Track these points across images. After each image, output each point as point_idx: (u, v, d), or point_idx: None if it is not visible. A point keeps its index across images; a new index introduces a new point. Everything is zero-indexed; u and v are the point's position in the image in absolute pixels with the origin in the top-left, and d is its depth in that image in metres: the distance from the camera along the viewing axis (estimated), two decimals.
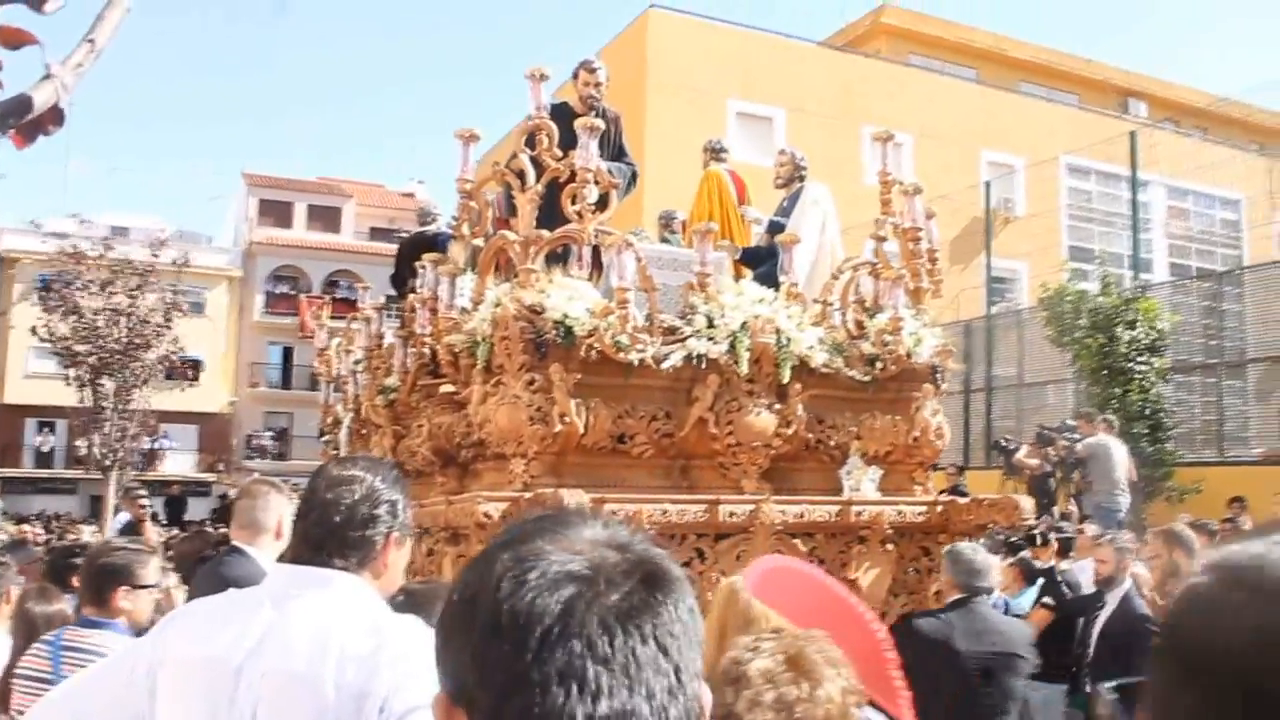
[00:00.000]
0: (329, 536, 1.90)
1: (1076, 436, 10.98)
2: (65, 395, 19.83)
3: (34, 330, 19.44)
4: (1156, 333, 13.38)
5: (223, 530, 12.08)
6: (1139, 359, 13.15)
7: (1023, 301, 20.60)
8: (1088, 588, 6.60)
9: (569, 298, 4.71)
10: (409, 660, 1.73)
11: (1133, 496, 10.76)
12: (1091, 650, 5.57)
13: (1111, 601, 5.58)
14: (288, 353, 36.39)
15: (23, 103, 1.40)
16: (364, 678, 1.71)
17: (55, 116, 1.48)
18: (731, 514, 4.78)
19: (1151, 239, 22.27)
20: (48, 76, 1.41)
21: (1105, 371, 13.30)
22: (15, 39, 1.56)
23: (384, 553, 1.94)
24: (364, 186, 42.62)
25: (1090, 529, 7.99)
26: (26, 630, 3.55)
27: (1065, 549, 7.44)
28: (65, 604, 3.73)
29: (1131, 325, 13.27)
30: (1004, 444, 12.38)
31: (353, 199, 40.21)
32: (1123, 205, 20.31)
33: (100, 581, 3.28)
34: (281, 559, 2.29)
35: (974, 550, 4.47)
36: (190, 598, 3.43)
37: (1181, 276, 20.61)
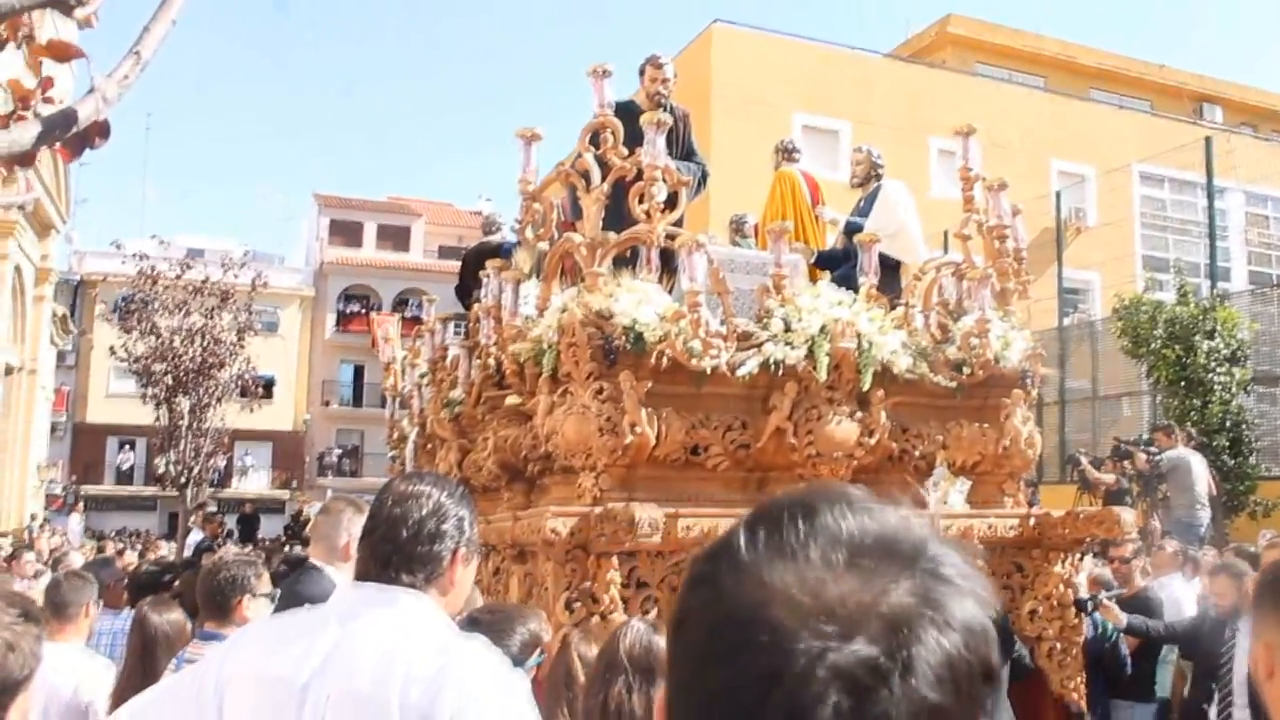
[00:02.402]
0: (396, 552, 1.87)
1: (1155, 450, 10.56)
2: (144, 414, 20.23)
3: (112, 350, 19.88)
4: (1236, 343, 12.86)
5: (296, 548, 12.19)
6: (1218, 370, 12.63)
7: (1096, 312, 20.06)
8: (1169, 604, 6.21)
9: (638, 302, 4.50)
10: (474, 682, 1.73)
11: (1214, 511, 10.33)
12: (1236, 697, 4.89)
13: (1247, 634, 5.03)
14: (359, 371, 36.89)
15: (68, 116, 1.40)
16: (429, 700, 1.69)
17: (101, 130, 1.47)
18: None
19: (1229, 247, 21.53)
20: (92, 90, 1.39)
21: (1183, 383, 12.80)
22: (63, 53, 1.57)
23: (451, 569, 1.91)
24: (433, 205, 43.13)
25: (1170, 545, 7.53)
26: (142, 638, 3.57)
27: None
28: (180, 613, 3.74)
29: (1210, 335, 12.75)
30: (1079, 458, 11.93)
31: (422, 218, 40.71)
32: (1198, 213, 19.63)
33: (225, 593, 3.35)
34: None
35: None
36: None
37: (1261, 285, 19.86)
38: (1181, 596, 6.62)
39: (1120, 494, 10.74)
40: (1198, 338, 12.77)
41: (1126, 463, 10.91)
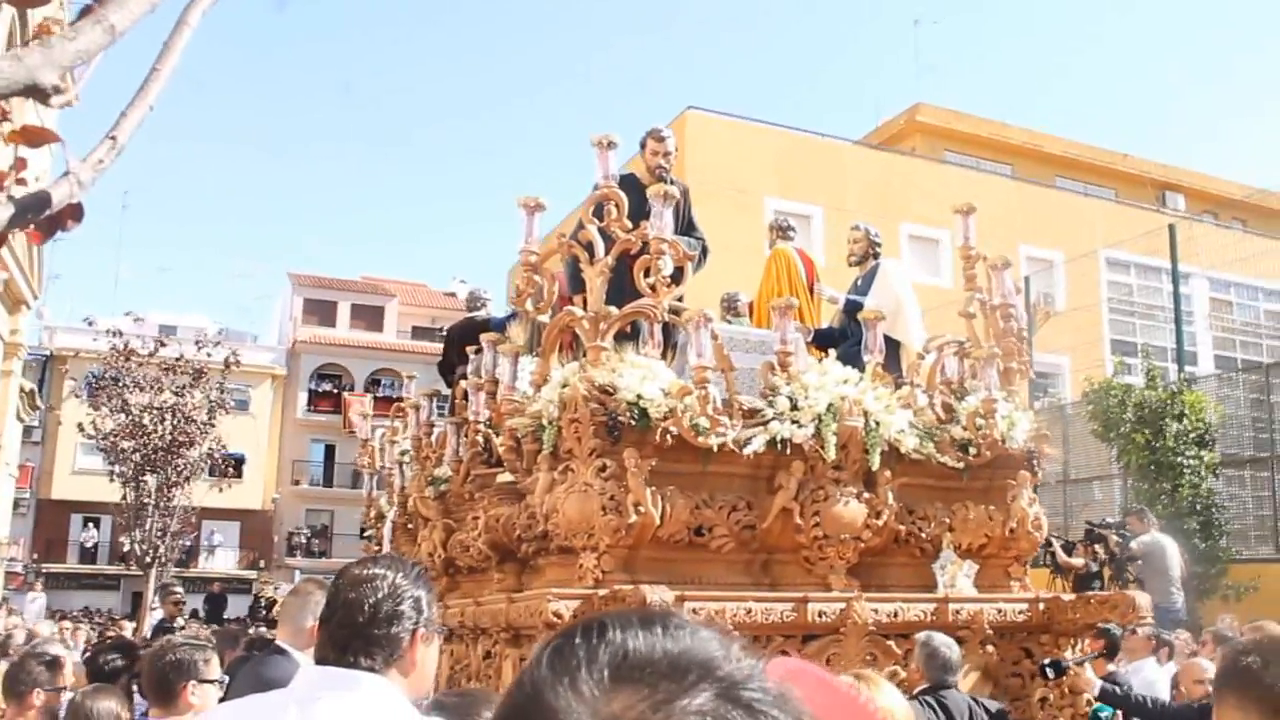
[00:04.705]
0: (354, 636, 1.88)
1: (1127, 533, 10.60)
2: (111, 491, 19.82)
3: (80, 427, 19.52)
4: (1204, 426, 13.00)
5: (260, 629, 11.76)
6: (1187, 453, 12.75)
7: (1065, 396, 20.25)
8: (1143, 688, 6.04)
9: (643, 377, 4.39)
10: None
11: (1185, 595, 10.30)
12: None
13: None
14: (330, 450, 36.43)
15: (41, 199, 1.40)
16: None
17: (74, 213, 1.48)
18: (821, 613, 4.37)
19: (1195, 332, 21.91)
20: (67, 173, 1.42)
21: (1153, 466, 12.90)
22: (37, 137, 1.58)
23: (411, 650, 1.91)
24: (407, 285, 43.14)
25: (1142, 629, 7.39)
26: None
27: (1112, 651, 6.78)
28: (114, 701, 3.66)
29: (1179, 419, 12.89)
30: (1051, 541, 11.91)
31: (396, 298, 40.66)
32: (1164, 298, 20.02)
33: (169, 679, 3.24)
34: None
35: (949, 646, 4.35)
36: (226, 697, 3.36)
37: (1227, 369, 20.20)
38: (1156, 680, 6.51)
39: (1089, 578, 10.75)
40: (1166, 421, 12.91)
41: (1099, 546, 10.92)
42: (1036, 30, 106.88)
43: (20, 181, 1.58)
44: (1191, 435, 12.85)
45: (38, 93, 1.28)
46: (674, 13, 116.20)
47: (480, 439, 5.75)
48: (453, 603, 5.47)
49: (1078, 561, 10.95)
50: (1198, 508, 12.59)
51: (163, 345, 19.86)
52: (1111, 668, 6.33)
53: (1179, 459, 12.71)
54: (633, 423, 4.32)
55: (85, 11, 1.30)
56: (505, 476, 5.38)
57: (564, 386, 4.48)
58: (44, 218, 1.41)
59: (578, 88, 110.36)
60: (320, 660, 1.91)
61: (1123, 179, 28.86)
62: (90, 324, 21.03)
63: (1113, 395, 13.73)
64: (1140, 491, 13.25)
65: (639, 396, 4.33)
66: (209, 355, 19.77)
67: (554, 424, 4.47)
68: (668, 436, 4.40)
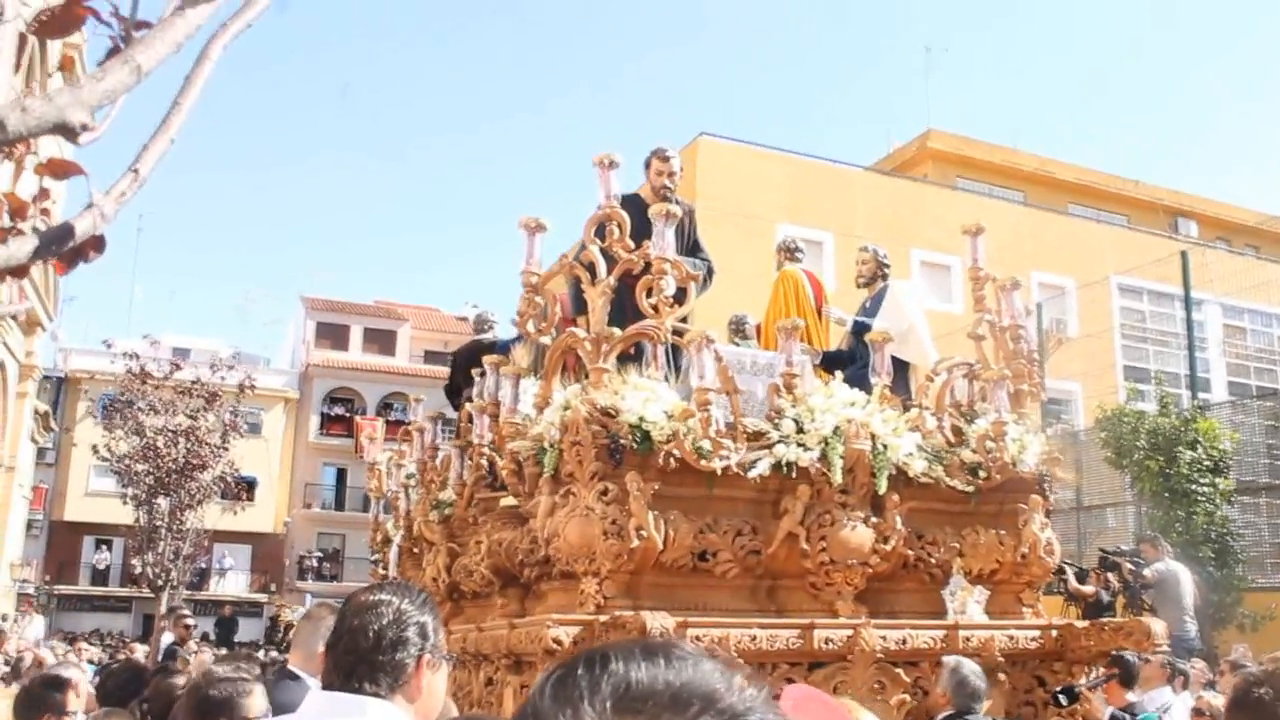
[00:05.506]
0: (359, 662, 1.89)
1: (1140, 561, 10.47)
2: (123, 514, 19.84)
3: (95, 449, 19.60)
4: (1219, 453, 12.89)
5: (272, 654, 11.69)
6: (1201, 480, 12.64)
7: (1078, 423, 20.10)
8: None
9: (645, 400, 4.33)
10: None
11: (1200, 624, 10.16)
12: None
13: None
14: (341, 474, 36.44)
15: (65, 231, 1.47)
16: None
17: (96, 244, 1.54)
18: (828, 640, 4.28)
19: (1208, 358, 21.77)
20: (91, 206, 1.48)
21: (1167, 494, 12.79)
22: (62, 170, 1.63)
23: (417, 676, 1.91)
24: (419, 310, 43.24)
25: (1155, 657, 7.26)
26: None
27: (1129, 680, 6.65)
28: None
29: (1192, 446, 12.78)
30: (1064, 568, 11.77)
31: (408, 322, 40.76)
32: (1177, 325, 19.92)
33: (206, 716, 3.10)
34: None
35: (978, 675, 4.28)
36: None
37: (1241, 396, 20.03)
38: (1173, 708, 6.37)
39: (1101, 606, 10.62)
40: (1180, 448, 12.84)
41: (1112, 574, 10.81)
42: (1048, 57, 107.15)
43: (44, 213, 1.65)
44: (1205, 462, 12.79)
45: (66, 130, 1.33)
46: (687, 38, 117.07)
47: (484, 462, 5.70)
48: (456, 628, 5.41)
49: (1089, 589, 10.83)
50: (1212, 535, 12.51)
51: (177, 368, 19.93)
52: (1132, 697, 6.20)
53: (1193, 486, 12.64)
54: (635, 445, 4.26)
55: (113, 52, 1.35)
56: (508, 500, 5.32)
57: (565, 409, 4.42)
58: (67, 250, 1.46)
59: (590, 111, 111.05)
60: (327, 686, 1.93)
61: (1135, 205, 28.79)
62: (109, 346, 21.13)
63: (1126, 422, 13.67)
64: (1154, 519, 13.16)
65: (641, 419, 4.27)
66: (223, 378, 19.84)
67: (555, 447, 4.41)
68: (671, 460, 4.34)
